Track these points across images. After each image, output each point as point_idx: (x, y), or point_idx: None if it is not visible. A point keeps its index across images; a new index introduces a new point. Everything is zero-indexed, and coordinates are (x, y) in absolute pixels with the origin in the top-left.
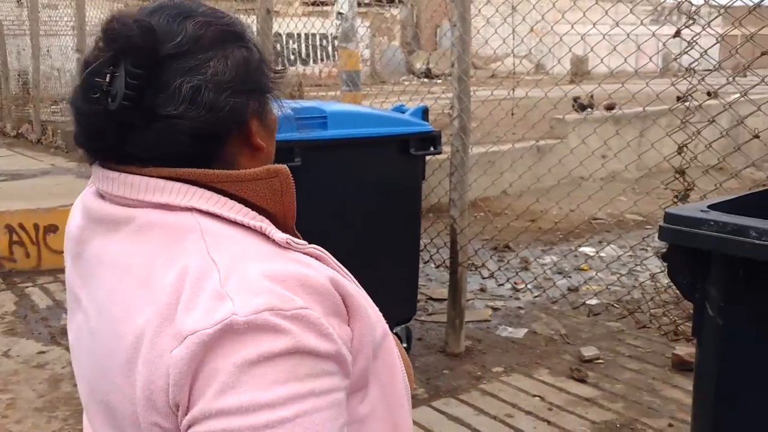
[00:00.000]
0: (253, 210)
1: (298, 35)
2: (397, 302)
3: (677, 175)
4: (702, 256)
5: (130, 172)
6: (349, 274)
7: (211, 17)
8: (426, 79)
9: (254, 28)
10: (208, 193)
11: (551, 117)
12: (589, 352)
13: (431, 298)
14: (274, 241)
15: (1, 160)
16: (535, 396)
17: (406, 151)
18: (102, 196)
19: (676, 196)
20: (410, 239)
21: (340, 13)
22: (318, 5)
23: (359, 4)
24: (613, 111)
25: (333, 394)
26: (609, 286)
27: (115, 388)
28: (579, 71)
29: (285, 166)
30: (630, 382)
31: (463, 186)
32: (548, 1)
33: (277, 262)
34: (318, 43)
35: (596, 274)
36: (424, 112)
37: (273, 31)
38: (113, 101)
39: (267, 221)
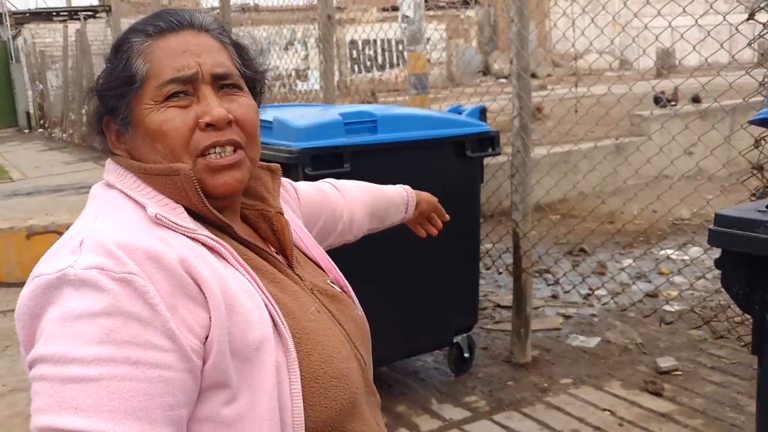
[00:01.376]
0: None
1: (374, 41)
2: (457, 310)
3: (754, 171)
4: (760, 263)
5: (110, 159)
6: (253, 275)
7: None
8: (504, 80)
9: (316, 35)
10: (133, 178)
11: (632, 113)
12: (666, 362)
13: (499, 306)
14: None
15: (85, 174)
16: (604, 410)
17: (462, 154)
18: None
19: (753, 194)
20: (469, 245)
21: (405, 16)
22: (394, 10)
23: (433, 7)
24: (698, 105)
25: (158, 370)
26: (691, 292)
27: None
28: (665, 65)
29: (187, 166)
30: (711, 397)
31: (525, 188)
32: None
33: (136, 233)
34: (393, 48)
35: (678, 279)
36: (482, 112)
37: (349, 39)
38: None
39: (172, 205)
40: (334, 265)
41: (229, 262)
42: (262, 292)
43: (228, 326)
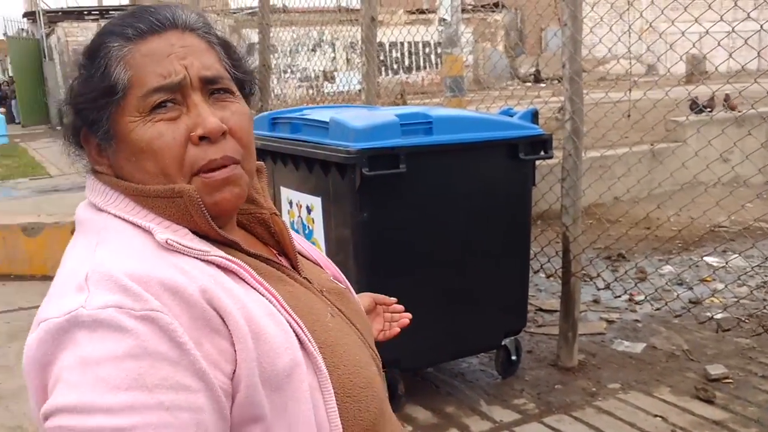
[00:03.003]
0: None
1: (401, 44)
2: (506, 313)
3: None
4: None
5: (92, 174)
6: (275, 294)
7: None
8: (531, 84)
9: (358, 37)
10: (125, 200)
11: (668, 119)
12: (716, 370)
13: (541, 309)
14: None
15: None
16: (656, 416)
17: (515, 156)
18: None
19: None
20: (519, 248)
21: (443, 19)
22: (422, 13)
23: (462, 11)
24: (736, 112)
25: (192, 414)
26: (738, 300)
27: None
28: (696, 71)
29: (190, 187)
30: (765, 405)
31: (576, 192)
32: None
33: (149, 262)
34: (421, 51)
35: (724, 286)
36: (534, 115)
37: (377, 40)
38: None
39: (174, 227)
40: (329, 260)
41: (247, 282)
42: (286, 311)
43: (256, 357)
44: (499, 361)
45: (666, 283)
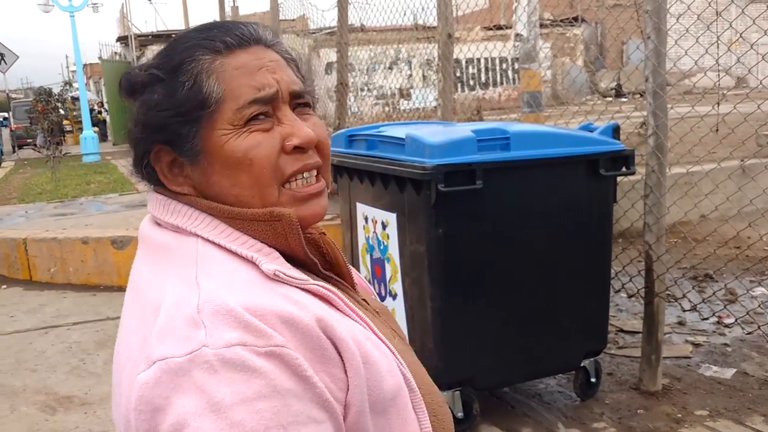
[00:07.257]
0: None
1: (478, 60)
2: (585, 333)
3: None
4: None
5: (159, 192)
6: (366, 320)
7: (154, 60)
8: (611, 98)
9: (435, 54)
10: (214, 222)
11: (760, 134)
12: None
13: (622, 330)
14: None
15: None
16: None
17: (595, 172)
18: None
19: None
20: (600, 266)
21: (519, 35)
22: (499, 29)
23: (540, 26)
24: None
25: None
26: None
27: (116, 406)
28: None
29: (288, 211)
30: None
31: (660, 209)
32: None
33: (261, 294)
34: (497, 67)
35: None
36: (615, 131)
37: (453, 57)
38: None
39: (267, 251)
40: (362, 277)
41: (339, 309)
42: (378, 336)
43: (366, 381)
44: (578, 383)
45: (759, 306)
